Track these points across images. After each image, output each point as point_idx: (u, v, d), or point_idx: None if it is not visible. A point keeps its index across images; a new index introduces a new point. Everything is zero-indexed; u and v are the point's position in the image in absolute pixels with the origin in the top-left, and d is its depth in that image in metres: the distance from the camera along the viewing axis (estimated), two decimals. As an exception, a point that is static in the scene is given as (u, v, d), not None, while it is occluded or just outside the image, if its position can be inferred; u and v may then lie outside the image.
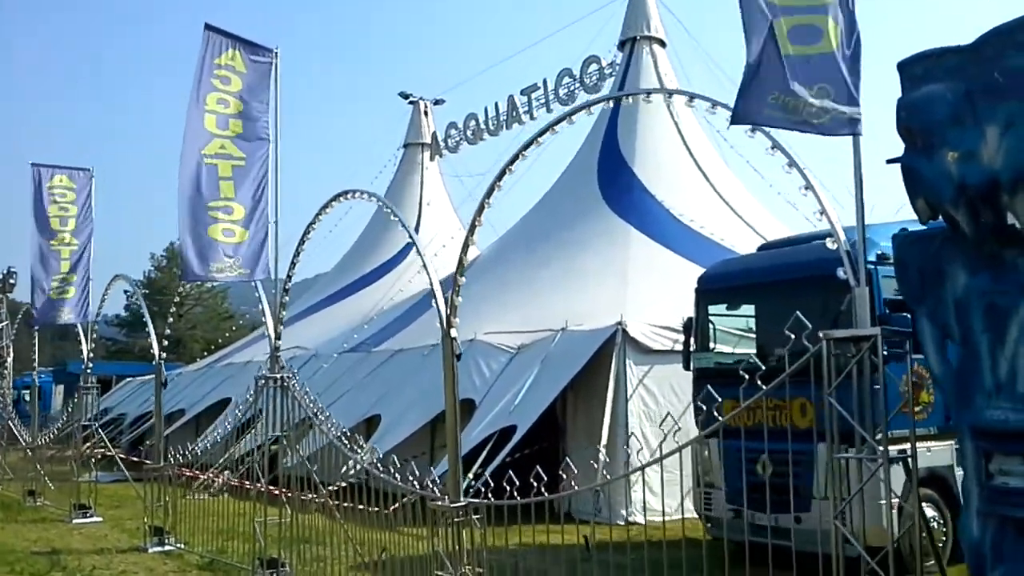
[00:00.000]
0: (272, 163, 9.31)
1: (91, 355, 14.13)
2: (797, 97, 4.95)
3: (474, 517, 6.54)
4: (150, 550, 11.03)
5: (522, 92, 25.28)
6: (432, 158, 31.22)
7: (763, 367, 5.07)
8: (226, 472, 12.01)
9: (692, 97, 6.88)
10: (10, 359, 19.07)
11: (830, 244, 5.29)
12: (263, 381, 9.22)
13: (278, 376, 9.09)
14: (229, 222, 8.97)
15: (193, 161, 8.88)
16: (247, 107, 9.18)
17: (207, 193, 8.90)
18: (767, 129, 5.39)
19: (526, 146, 6.76)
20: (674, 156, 19.51)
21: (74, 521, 13.60)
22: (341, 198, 8.71)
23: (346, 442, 8.44)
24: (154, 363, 12.06)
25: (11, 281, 18.98)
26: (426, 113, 32.39)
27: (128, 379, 29.92)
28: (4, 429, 18.72)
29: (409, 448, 14.00)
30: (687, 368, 10.29)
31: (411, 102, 32.57)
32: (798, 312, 4.99)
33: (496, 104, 26.54)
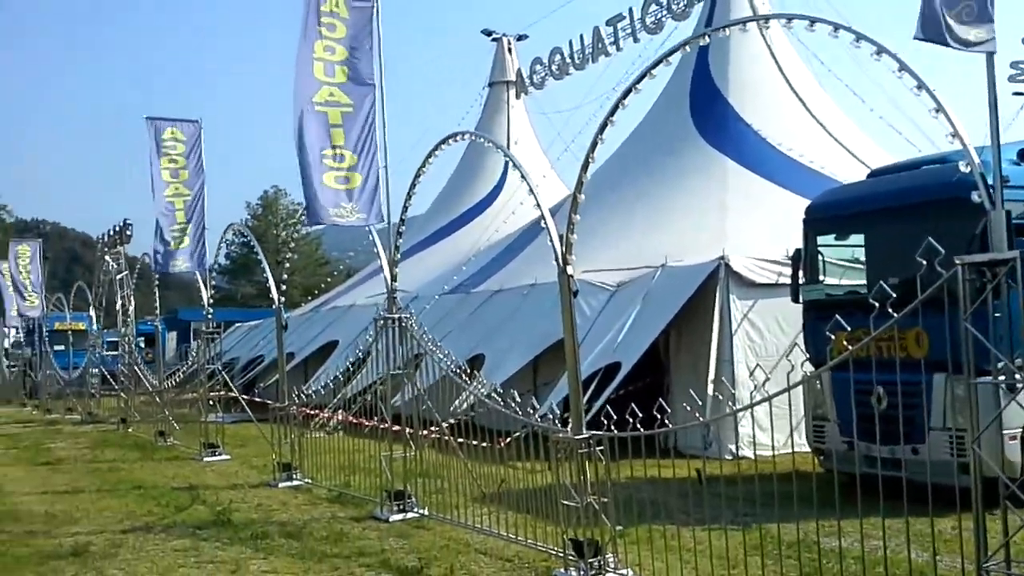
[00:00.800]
0: (379, 108, 9.55)
1: (210, 302, 14.81)
2: (949, 13, 5.02)
3: (597, 449, 6.76)
4: (280, 485, 11.71)
5: (607, 23, 24.77)
6: (518, 96, 31.00)
7: (894, 295, 5.04)
8: (339, 412, 12.59)
9: (791, 19, 6.66)
10: (131, 307, 20.14)
11: (963, 167, 5.20)
12: (382, 321, 9.61)
13: (396, 316, 9.46)
14: (342, 169, 9.27)
15: (304, 110, 9.17)
16: (352, 53, 9.40)
17: (319, 141, 9.20)
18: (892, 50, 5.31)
19: (624, 95, 6.77)
20: (769, 83, 19.00)
21: (205, 459, 14.49)
22: (450, 140, 8.88)
23: (464, 376, 8.77)
24: (273, 308, 12.61)
25: (127, 233, 19.94)
26: (510, 50, 32.19)
27: (237, 324, 31.14)
28: (131, 374, 19.89)
29: (512, 387, 14.38)
30: (795, 301, 10.25)
31: (494, 39, 32.38)
32: (930, 237, 4.94)
33: (581, 37, 26.11)
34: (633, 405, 6.56)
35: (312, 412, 12.01)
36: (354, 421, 11.56)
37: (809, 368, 8.34)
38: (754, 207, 15.22)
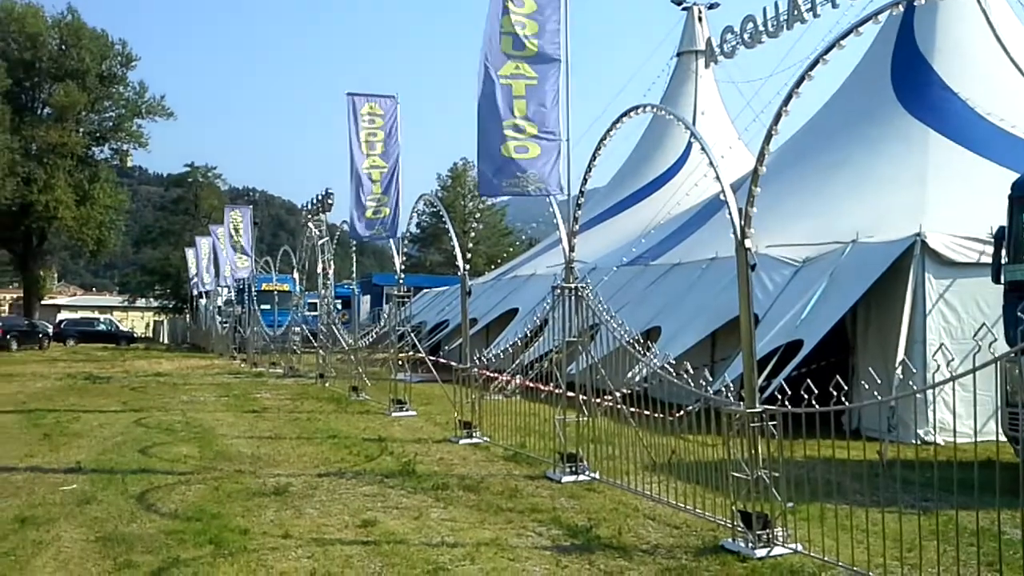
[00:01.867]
0: (563, 82, 9.75)
1: (402, 268, 15.63)
2: None
3: (770, 424, 6.73)
4: (460, 442, 12.31)
5: (804, -12, 23.98)
6: (707, 66, 30.38)
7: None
8: (517, 377, 13.01)
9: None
10: (331, 271, 21.54)
11: None
12: (559, 291, 9.88)
13: (573, 286, 9.70)
14: (522, 139, 9.55)
15: (490, 82, 9.51)
16: (541, 27, 9.62)
17: (502, 112, 9.51)
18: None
19: (811, 66, 6.58)
20: (981, 47, 17.66)
21: (393, 414, 15.41)
22: (632, 112, 8.94)
23: (638, 347, 8.88)
24: (458, 275, 13.18)
25: (329, 201, 21.28)
26: (700, 19, 31.54)
27: (424, 290, 32.55)
28: (329, 333, 21.35)
29: (688, 361, 14.32)
30: (996, 281, 9.64)
31: (684, 8, 31.81)
32: None
33: (776, 3, 25.30)
34: (809, 382, 6.47)
35: (492, 375, 12.48)
36: (531, 386, 11.96)
37: (999, 350, 7.87)
38: (956, 181, 14.30)
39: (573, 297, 9.68)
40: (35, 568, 6.28)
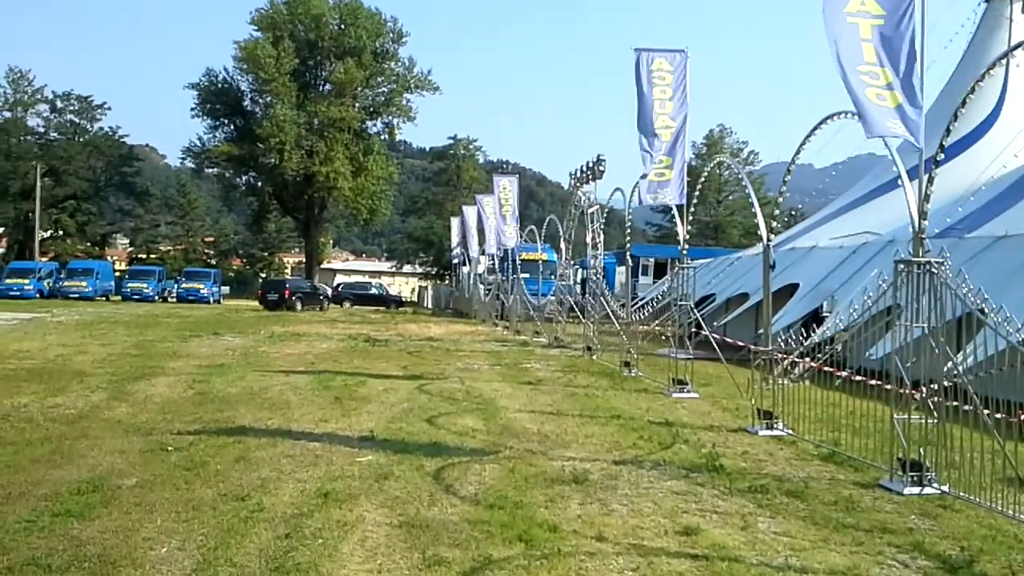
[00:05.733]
0: (919, 16, 8.11)
1: (686, 237, 14.47)
2: None
3: None
4: (760, 433, 11.06)
5: None
6: (1023, 10, 26.57)
7: None
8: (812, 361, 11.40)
9: None
10: (601, 241, 20.80)
11: None
12: (903, 267, 8.34)
13: (923, 260, 8.12)
14: (879, 87, 8.03)
15: (836, 24, 8.07)
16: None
17: (854, 56, 8.04)
18: None
19: None
20: None
21: (673, 395, 14.39)
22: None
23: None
24: (761, 245, 11.84)
25: (601, 168, 20.48)
26: (1019, -42, 27.45)
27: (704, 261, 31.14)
28: (598, 305, 20.66)
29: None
30: None
31: (997, -54, 27.81)
32: None
33: None
34: None
35: (801, 360, 11.04)
36: (857, 378, 10.50)
37: None
38: None
39: (925, 274, 8.09)
40: (343, 556, 5.89)
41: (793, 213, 45.15)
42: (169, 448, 9.15)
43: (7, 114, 68.57)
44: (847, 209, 27.52)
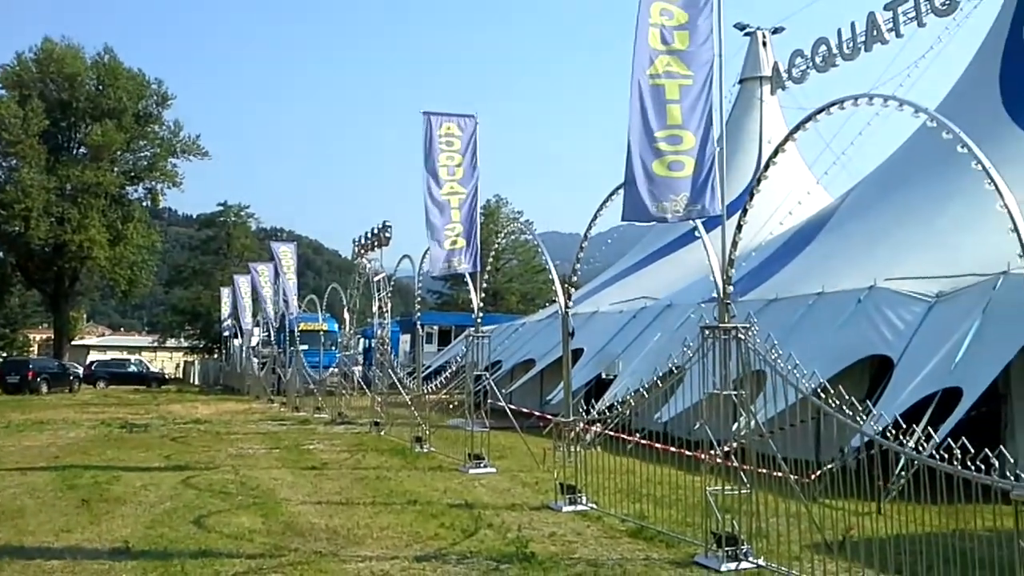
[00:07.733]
0: (716, 78, 8.07)
1: (480, 304, 13.91)
2: None
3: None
4: (563, 509, 10.51)
5: (885, 7, 22.50)
6: (773, 92, 28.98)
7: None
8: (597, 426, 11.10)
9: None
10: (388, 309, 19.91)
11: None
12: (708, 332, 8.13)
13: (730, 327, 7.95)
14: (677, 153, 7.86)
15: (639, 85, 7.84)
16: (691, 17, 7.96)
17: (655, 121, 7.83)
18: None
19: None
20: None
21: (470, 471, 13.62)
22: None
23: (846, 409, 7.07)
24: (543, 312, 11.45)
25: (386, 235, 19.71)
26: (764, 44, 30.10)
27: (467, 330, 30.83)
28: (384, 376, 19.62)
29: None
30: None
31: (747, 33, 30.40)
32: None
33: (852, 24, 23.90)
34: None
35: (613, 433, 10.61)
36: (657, 446, 10.24)
37: None
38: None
39: (731, 340, 7.91)
40: None
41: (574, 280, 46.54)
42: None
43: None
44: (623, 275, 28.38)
